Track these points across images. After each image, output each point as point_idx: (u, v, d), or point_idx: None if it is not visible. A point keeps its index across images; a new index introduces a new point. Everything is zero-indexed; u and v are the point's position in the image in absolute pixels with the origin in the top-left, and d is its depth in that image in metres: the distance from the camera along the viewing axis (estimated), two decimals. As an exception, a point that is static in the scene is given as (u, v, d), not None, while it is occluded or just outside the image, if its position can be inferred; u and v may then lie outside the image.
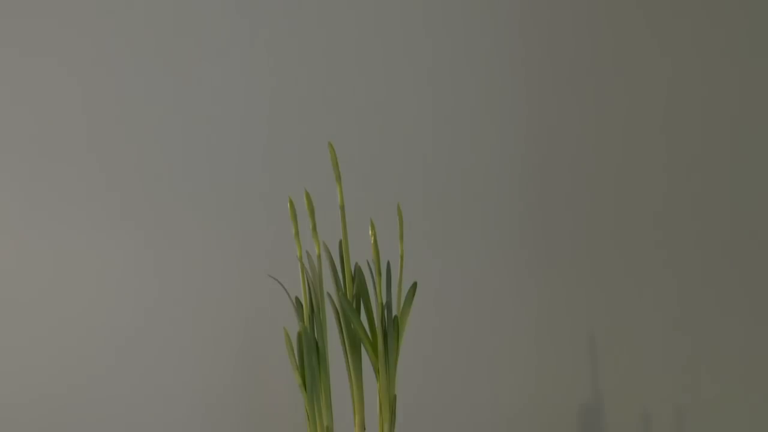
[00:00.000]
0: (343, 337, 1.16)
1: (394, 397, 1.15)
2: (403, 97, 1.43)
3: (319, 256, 1.15)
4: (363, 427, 1.15)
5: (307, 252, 1.17)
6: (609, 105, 1.35)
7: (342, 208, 1.14)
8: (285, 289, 1.18)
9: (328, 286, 1.15)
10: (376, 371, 1.14)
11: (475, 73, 1.40)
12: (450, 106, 1.41)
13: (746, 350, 1.29)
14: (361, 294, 1.16)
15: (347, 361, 1.16)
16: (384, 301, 1.15)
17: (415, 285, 1.17)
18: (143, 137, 1.49)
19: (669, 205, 1.33)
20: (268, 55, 1.47)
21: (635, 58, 1.35)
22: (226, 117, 1.47)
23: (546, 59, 1.38)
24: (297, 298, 1.18)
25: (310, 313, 1.15)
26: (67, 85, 1.51)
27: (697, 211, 1.32)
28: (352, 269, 1.16)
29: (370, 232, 1.15)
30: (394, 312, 1.16)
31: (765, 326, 1.29)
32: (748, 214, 1.30)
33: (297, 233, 1.17)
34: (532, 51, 1.38)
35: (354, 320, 1.14)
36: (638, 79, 1.34)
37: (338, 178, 1.15)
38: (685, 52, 1.33)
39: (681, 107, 1.32)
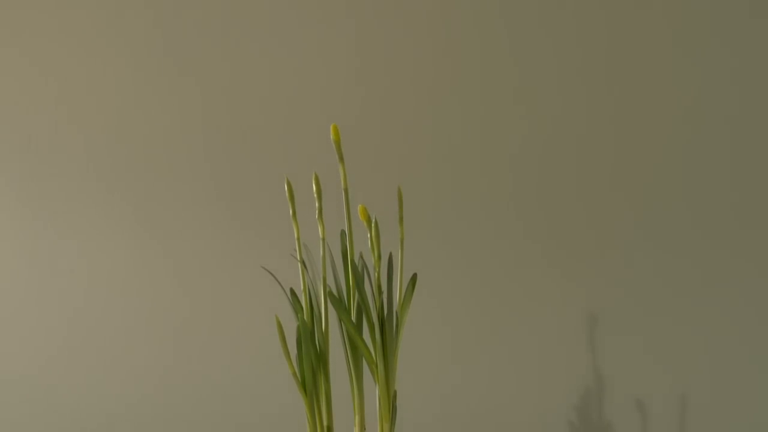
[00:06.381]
0: (343, 333, 1.12)
1: (395, 393, 1.11)
2: (407, 87, 1.41)
3: (323, 240, 1.09)
4: (363, 427, 1.12)
5: (305, 245, 1.13)
6: (614, 100, 1.34)
7: (345, 191, 1.09)
8: (278, 281, 1.13)
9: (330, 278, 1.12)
10: (373, 367, 1.10)
11: (483, 62, 1.39)
12: (455, 96, 1.39)
13: (743, 339, 1.29)
14: (360, 286, 1.12)
15: (347, 360, 1.12)
16: (383, 290, 1.10)
17: (415, 277, 1.13)
18: (139, 134, 1.51)
19: (667, 197, 1.32)
20: (265, 45, 1.47)
21: (637, 56, 1.34)
22: (223, 112, 1.47)
23: (552, 53, 1.36)
24: (292, 290, 1.12)
25: (310, 307, 1.10)
26: (68, 87, 1.53)
27: (694, 204, 1.32)
28: (356, 258, 1.11)
29: (360, 216, 1.09)
30: (395, 305, 1.12)
31: (762, 316, 1.29)
32: (747, 204, 1.30)
33: (294, 214, 1.14)
34: (539, 44, 1.37)
35: (345, 319, 1.09)
36: (640, 75, 1.34)
37: (341, 158, 1.09)
38: (685, 53, 1.33)
39: (683, 103, 1.32)
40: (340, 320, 1.11)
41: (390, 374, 1.10)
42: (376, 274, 1.09)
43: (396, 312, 1.11)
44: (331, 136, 1.10)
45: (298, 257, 1.12)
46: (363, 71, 1.43)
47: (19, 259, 1.54)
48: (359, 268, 1.10)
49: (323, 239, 1.11)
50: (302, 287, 1.11)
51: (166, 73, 1.50)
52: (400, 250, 1.12)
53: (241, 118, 1.46)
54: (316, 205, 1.11)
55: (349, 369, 1.11)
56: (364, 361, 1.11)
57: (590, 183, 1.35)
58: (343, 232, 1.13)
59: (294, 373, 1.10)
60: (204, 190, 1.47)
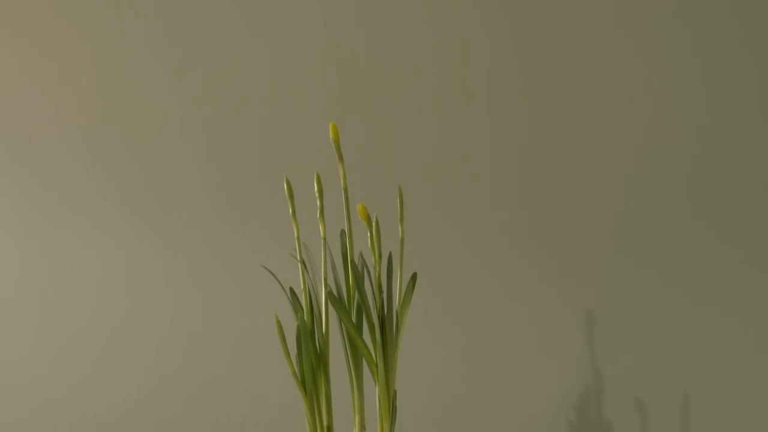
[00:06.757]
0: (343, 333, 1.11)
1: (394, 393, 1.11)
2: (407, 86, 1.41)
3: (324, 239, 1.09)
4: (363, 427, 1.11)
5: (305, 245, 1.13)
6: (612, 101, 1.34)
7: (345, 190, 1.08)
8: (278, 280, 1.12)
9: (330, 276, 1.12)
10: (373, 367, 1.09)
11: (484, 61, 1.38)
12: (455, 95, 1.39)
13: (743, 338, 1.29)
14: (360, 286, 1.11)
15: (347, 360, 1.11)
16: (383, 289, 1.09)
17: (414, 276, 1.12)
18: (139, 133, 1.50)
19: (667, 195, 1.32)
20: (266, 42, 1.46)
21: (635, 54, 1.34)
22: (223, 111, 1.47)
23: (552, 53, 1.36)
24: (292, 290, 1.11)
25: (310, 307, 1.10)
26: (67, 86, 1.53)
27: (694, 202, 1.31)
28: (356, 258, 1.10)
29: (360, 215, 1.08)
30: (395, 304, 1.11)
31: (762, 314, 1.29)
32: (749, 202, 1.30)
33: (294, 213, 1.13)
34: (540, 44, 1.37)
35: (345, 319, 1.08)
36: (633, 77, 1.33)
37: (340, 158, 1.09)
38: (679, 55, 1.33)
39: (674, 105, 1.32)
40: (340, 320, 1.10)
41: (390, 374, 1.09)
42: (376, 273, 1.09)
43: (396, 311, 1.11)
44: (331, 135, 1.10)
45: (298, 257, 1.11)
46: (363, 70, 1.42)
47: (18, 258, 1.53)
48: (359, 268, 1.10)
49: (324, 239, 1.10)
50: (302, 287, 1.11)
51: (166, 72, 1.49)
52: (400, 250, 1.12)
53: (240, 117, 1.46)
54: (318, 204, 1.10)
55: (349, 369, 1.11)
56: (364, 361, 1.11)
57: (591, 182, 1.34)
58: (343, 232, 1.12)
59: (294, 373, 1.09)
60: (204, 190, 1.47)
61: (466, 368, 1.36)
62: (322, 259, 1.10)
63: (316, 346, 1.10)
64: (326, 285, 1.10)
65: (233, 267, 1.44)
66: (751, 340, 1.29)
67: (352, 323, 1.09)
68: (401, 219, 1.12)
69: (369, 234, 1.08)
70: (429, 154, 1.39)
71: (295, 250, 1.13)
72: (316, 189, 1.11)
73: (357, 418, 1.10)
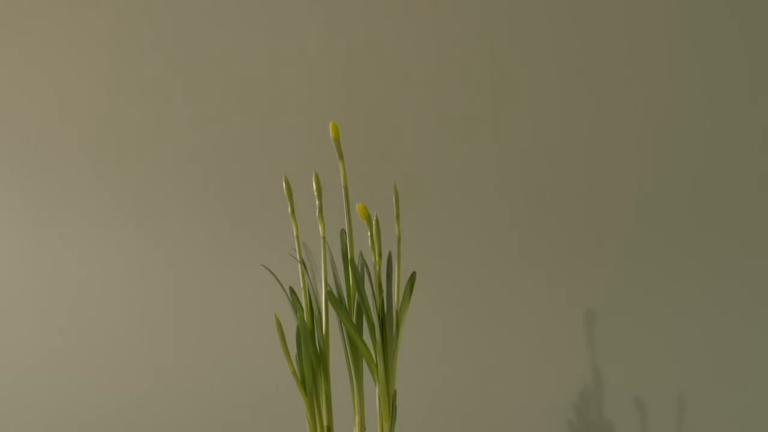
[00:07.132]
0: (343, 333, 1.11)
1: (394, 393, 1.11)
2: (407, 84, 1.41)
3: (323, 239, 1.09)
4: (363, 427, 1.11)
5: (305, 244, 1.12)
6: (612, 104, 1.34)
7: (345, 188, 1.08)
8: (277, 279, 1.12)
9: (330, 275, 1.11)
10: (373, 366, 1.09)
11: (483, 60, 1.38)
12: (454, 94, 1.39)
13: (743, 338, 1.29)
14: (360, 286, 1.11)
15: (347, 360, 1.11)
16: (383, 288, 1.09)
17: (413, 276, 1.12)
18: (139, 133, 1.50)
19: (666, 194, 1.32)
20: (266, 41, 1.46)
21: (632, 57, 1.34)
22: (222, 110, 1.47)
23: (552, 53, 1.36)
24: (292, 289, 1.11)
25: (309, 306, 1.09)
26: (68, 86, 1.53)
27: (694, 200, 1.31)
28: (356, 257, 1.10)
29: (360, 215, 1.08)
30: (394, 304, 1.11)
31: (762, 314, 1.29)
32: (742, 206, 1.30)
33: (293, 212, 1.13)
34: (540, 43, 1.37)
35: (345, 319, 1.08)
36: (638, 77, 1.33)
37: (341, 156, 1.09)
38: (681, 57, 1.33)
39: (676, 107, 1.32)
40: (340, 320, 1.10)
41: (390, 374, 1.09)
42: (376, 273, 1.08)
43: (396, 311, 1.11)
44: (330, 134, 1.10)
45: (298, 257, 1.11)
46: (362, 68, 1.42)
47: (18, 258, 1.53)
48: (359, 267, 1.10)
49: (324, 238, 1.10)
50: (302, 286, 1.11)
51: (166, 71, 1.49)
52: (397, 249, 1.12)
53: (240, 116, 1.46)
54: (317, 203, 1.10)
55: (349, 369, 1.11)
56: (364, 361, 1.11)
57: (589, 180, 1.34)
58: (342, 231, 1.12)
59: (294, 373, 1.09)
60: (204, 189, 1.46)
61: (466, 368, 1.36)
62: (322, 259, 1.10)
63: (316, 346, 1.10)
64: (326, 285, 1.10)
65: (233, 266, 1.44)
66: (750, 340, 1.29)
67: (352, 323, 1.09)
68: (397, 218, 1.12)
69: (369, 233, 1.08)
70: (430, 153, 1.39)
71: (295, 250, 1.12)
72: (314, 188, 1.11)
73: (357, 418, 1.10)
